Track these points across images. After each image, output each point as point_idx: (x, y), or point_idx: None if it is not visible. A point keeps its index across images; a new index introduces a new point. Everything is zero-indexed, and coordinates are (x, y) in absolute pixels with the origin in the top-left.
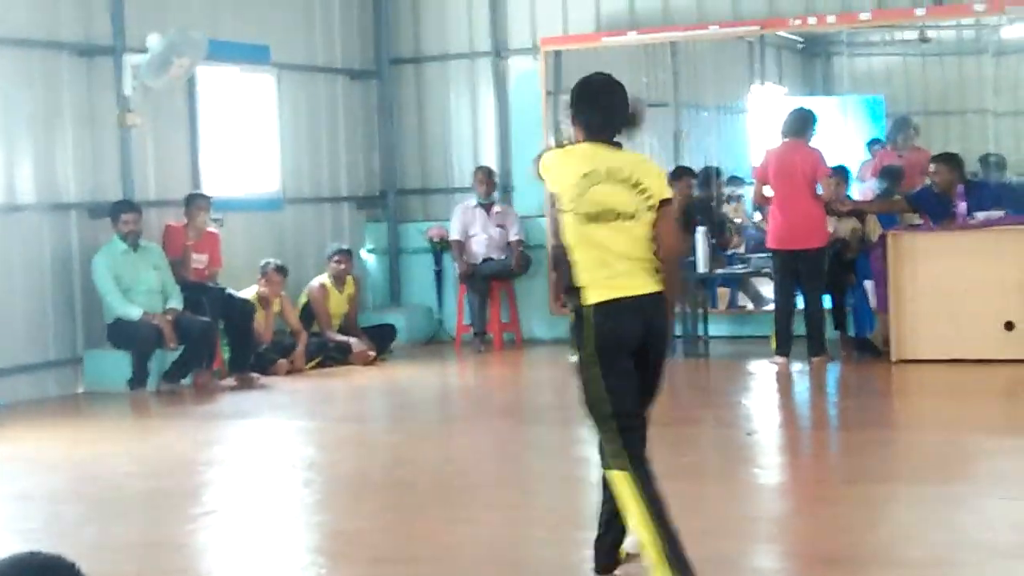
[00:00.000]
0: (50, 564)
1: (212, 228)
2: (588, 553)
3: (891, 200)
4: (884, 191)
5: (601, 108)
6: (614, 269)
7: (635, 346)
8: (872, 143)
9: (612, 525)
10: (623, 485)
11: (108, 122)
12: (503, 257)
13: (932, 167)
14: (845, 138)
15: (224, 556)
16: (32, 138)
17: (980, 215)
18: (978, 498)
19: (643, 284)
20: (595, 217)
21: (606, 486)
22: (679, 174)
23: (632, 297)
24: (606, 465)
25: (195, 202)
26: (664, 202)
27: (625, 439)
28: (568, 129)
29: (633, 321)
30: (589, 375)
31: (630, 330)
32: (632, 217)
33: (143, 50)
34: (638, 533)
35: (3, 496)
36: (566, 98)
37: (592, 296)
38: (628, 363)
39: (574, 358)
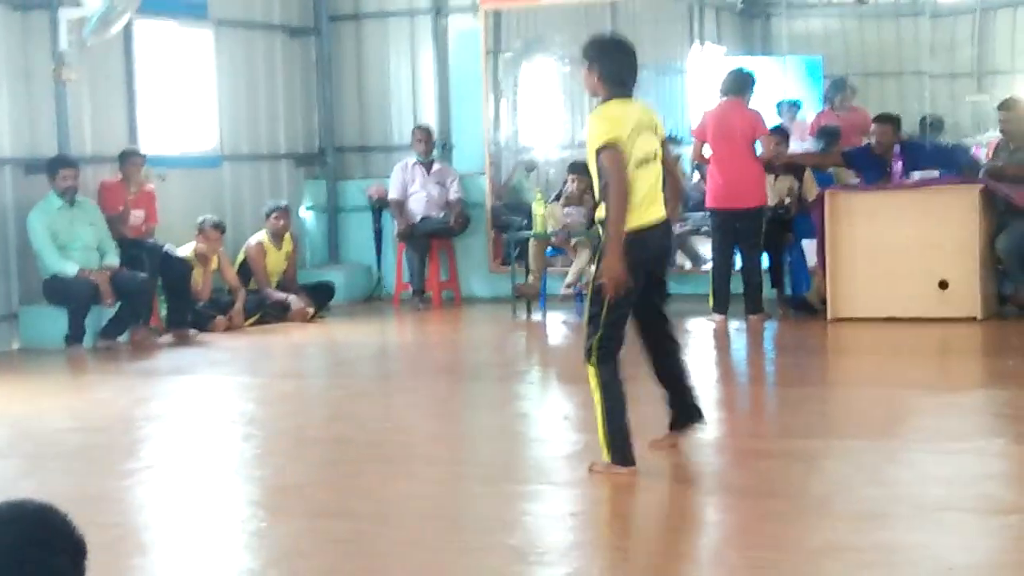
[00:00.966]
0: (43, 512)
1: (152, 185)
2: (529, 507)
3: (826, 154)
4: (822, 151)
5: (630, 66)
6: (645, 201)
7: (653, 263)
8: (782, 104)
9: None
10: (597, 379)
11: (44, 77)
12: (442, 215)
13: (877, 128)
14: (784, 98)
15: (162, 510)
16: None
17: (916, 175)
18: (909, 453)
19: (660, 211)
20: (640, 163)
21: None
22: None
23: (656, 223)
24: (591, 360)
25: (130, 159)
26: (664, 141)
27: (617, 343)
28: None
29: (660, 241)
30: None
31: (655, 248)
32: (655, 158)
33: (78, 3)
34: (599, 420)
35: None
36: (507, 56)
37: (631, 221)
38: (642, 280)
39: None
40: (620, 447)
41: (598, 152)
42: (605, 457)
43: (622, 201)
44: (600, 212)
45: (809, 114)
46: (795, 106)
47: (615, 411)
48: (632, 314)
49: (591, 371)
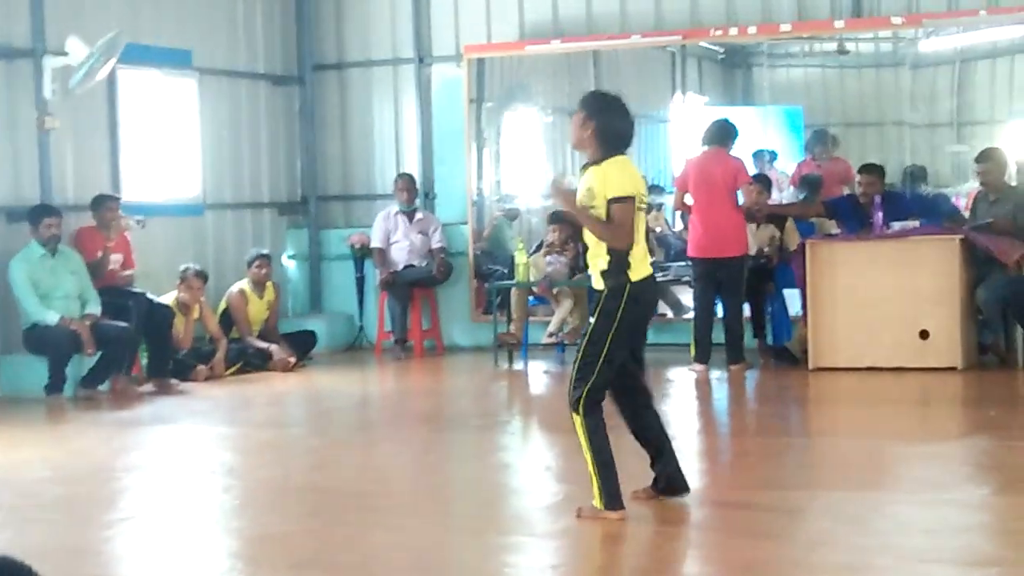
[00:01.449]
0: (3, 565)
1: (130, 230)
2: (510, 559)
3: (808, 204)
4: (804, 200)
5: (631, 126)
6: (645, 253)
7: (650, 313)
8: (758, 154)
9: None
10: (584, 428)
11: (27, 125)
12: (424, 264)
13: (864, 178)
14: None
15: (142, 562)
16: None
17: (896, 225)
18: (893, 504)
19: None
20: (641, 210)
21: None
22: None
23: (652, 274)
24: (579, 410)
25: (105, 203)
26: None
27: (604, 392)
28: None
29: (656, 292)
30: (611, 337)
31: (655, 298)
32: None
33: (63, 52)
34: (589, 465)
35: None
36: (489, 106)
37: (634, 274)
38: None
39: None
40: (611, 491)
41: (612, 201)
42: (597, 503)
43: (609, 237)
44: (598, 263)
45: (788, 164)
46: (771, 156)
47: (604, 457)
48: None
49: (578, 420)
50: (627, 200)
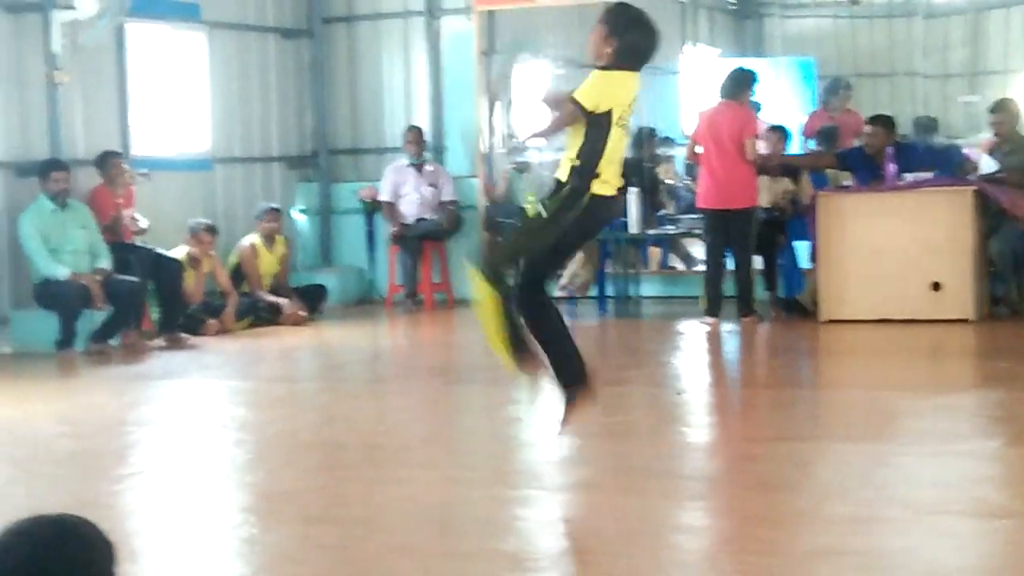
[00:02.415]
0: (64, 527)
1: (136, 183)
2: (521, 512)
3: (820, 155)
4: (817, 152)
5: (654, 45)
6: (616, 170)
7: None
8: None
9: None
10: (492, 302)
11: (36, 80)
12: (435, 217)
13: (868, 129)
14: (777, 100)
15: (153, 516)
16: None
17: (909, 176)
18: (902, 455)
19: (619, 181)
20: (619, 125)
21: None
22: None
23: (616, 193)
24: (487, 278)
25: (110, 160)
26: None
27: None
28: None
29: (613, 211)
30: (551, 232)
31: (609, 217)
32: (627, 126)
33: (70, 6)
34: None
35: None
36: (499, 57)
37: (598, 188)
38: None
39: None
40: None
41: (572, 99)
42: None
43: (559, 125)
44: (571, 156)
45: (799, 116)
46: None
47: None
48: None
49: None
50: (577, 105)
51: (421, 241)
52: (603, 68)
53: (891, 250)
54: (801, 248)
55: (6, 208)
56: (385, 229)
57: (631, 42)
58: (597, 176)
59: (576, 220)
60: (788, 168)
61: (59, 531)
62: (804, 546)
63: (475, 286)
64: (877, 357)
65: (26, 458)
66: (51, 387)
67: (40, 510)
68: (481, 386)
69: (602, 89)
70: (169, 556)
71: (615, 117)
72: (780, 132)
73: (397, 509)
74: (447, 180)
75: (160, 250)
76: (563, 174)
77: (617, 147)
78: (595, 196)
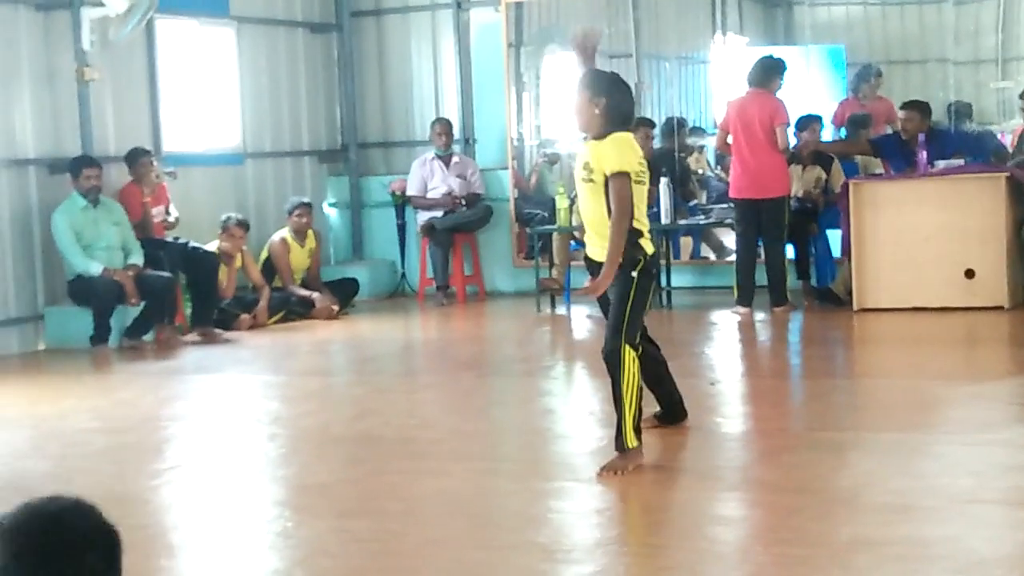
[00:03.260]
0: (66, 510)
1: (164, 181)
2: (555, 504)
3: (853, 142)
4: (848, 138)
5: (633, 103)
6: (646, 227)
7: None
8: None
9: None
10: (630, 360)
11: (66, 77)
12: (464, 209)
13: (903, 114)
14: (807, 88)
15: (189, 511)
16: None
17: (941, 163)
18: (937, 444)
19: None
20: (640, 183)
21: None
22: (637, 124)
23: (656, 254)
24: (620, 346)
25: (139, 159)
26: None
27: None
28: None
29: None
30: (646, 295)
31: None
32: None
33: (100, 3)
34: (624, 399)
35: None
36: (528, 49)
37: (648, 247)
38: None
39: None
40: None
41: (612, 175)
42: (632, 443)
43: (624, 226)
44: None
45: (831, 104)
46: None
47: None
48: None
49: (622, 353)
50: (624, 176)
51: (451, 234)
52: (606, 134)
53: (924, 237)
54: (833, 236)
55: (39, 205)
56: (416, 222)
57: (617, 103)
58: (641, 235)
59: (640, 286)
60: (820, 156)
61: (53, 515)
62: (840, 536)
63: (628, 360)
64: (911, 346)
65: (61, 454)
66: (85, 383)
67: (76, 498)
68: (514, 378)
69: (624, 151)
70: (205, 550)
71: (633, 177)
72: (816, 121)
73: (431, 502)
74: (475, 171)
75: (195, 244)
76: (600, 253)
77: (642, 201)
78: (648, 258)
